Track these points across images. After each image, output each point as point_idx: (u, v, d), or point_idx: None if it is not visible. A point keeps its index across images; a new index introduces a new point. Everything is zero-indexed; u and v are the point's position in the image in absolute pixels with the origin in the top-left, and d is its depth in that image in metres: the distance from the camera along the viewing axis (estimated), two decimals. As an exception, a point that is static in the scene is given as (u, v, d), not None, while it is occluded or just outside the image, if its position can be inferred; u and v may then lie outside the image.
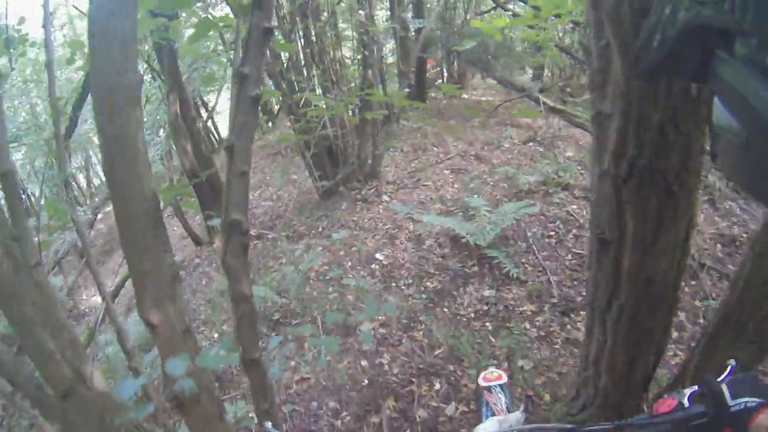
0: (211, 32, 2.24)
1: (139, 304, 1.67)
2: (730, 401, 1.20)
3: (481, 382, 2.37)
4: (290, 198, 9.53)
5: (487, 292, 5.35)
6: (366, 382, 4.32)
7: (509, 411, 2.14)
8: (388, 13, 12.50)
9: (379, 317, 5.17)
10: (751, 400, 1.18)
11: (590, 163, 2.51)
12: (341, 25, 10.28)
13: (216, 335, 5.70)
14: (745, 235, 6.48)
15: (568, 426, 1.37)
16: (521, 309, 5.08)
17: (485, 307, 5.17)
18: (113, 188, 1.59)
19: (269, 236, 8.14)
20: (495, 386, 2.32)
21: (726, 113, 0.68)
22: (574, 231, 6.30)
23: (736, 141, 0.66)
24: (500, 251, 5.77)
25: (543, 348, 4.54)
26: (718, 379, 1.28)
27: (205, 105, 17.73)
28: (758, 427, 1.13)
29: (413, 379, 4.25)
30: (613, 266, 2.32)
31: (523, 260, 5.83)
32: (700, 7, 0.68)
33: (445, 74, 15.60)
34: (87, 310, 9.65)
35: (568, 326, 4.80)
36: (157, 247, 1.64)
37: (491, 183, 7.94)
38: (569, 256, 5.88)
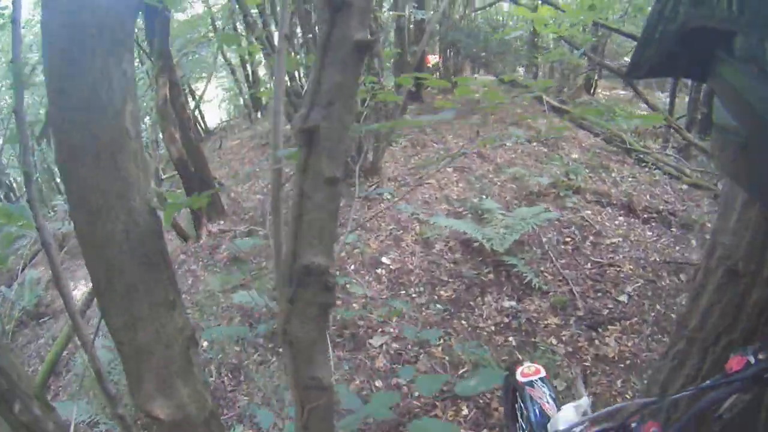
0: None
1: (135, 392, 1.10)
2: None
3: (521, 378, 2.32)
4: (283, 192, 9.01)
5: (507, 303, 4.96)
6: (386, 407, 3.87)
7: (555, 403, 2.13)
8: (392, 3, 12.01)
9: (391, 329, 4.75)
10: None
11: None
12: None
13: (205, 344, 5.11)
14: None
15: (652, 399, 1.37)
16: (545, 322, 4.70)
17: (506, 320, 4.78)
18: (75, 201, 0.96)
19: (261, 233, 7.64)
20: (536, 380, 2.29)
21: (725, 112, 0.70)
22: (591, 238, 5.95)
23: (735, 140, 0.68)
24: (517, 258, 5.36)
25: (573, 365, 4.15)
26: None
27: (192, 93, 17.04)
28: None
29: (437, 403, 3.81)
30: (739, 300, 1.95)
31: (542, 268, 5.45)
32: (698, 6, 0.68)
33: (441, 69, 15.18)
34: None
35: (597, 341, 4.44)
36: (160, 304, 1.04)
37: (498, 183, 7.55)
38: (588, 265, 5.52)
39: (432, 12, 11.54)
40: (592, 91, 14.38)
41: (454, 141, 9.80)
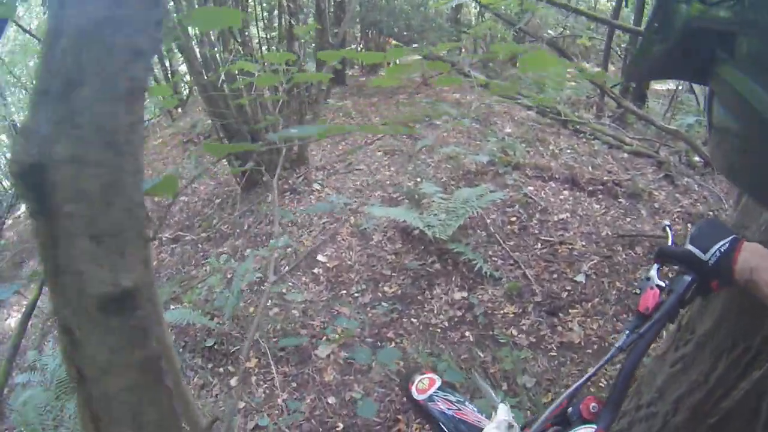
0: None
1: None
2: (703, 256, 1.19)
3: (418, 396, 2.12)
4: (208, 192, 8.44)
5: (458, 295, 4.64)
6: (341, 427, 3.46)
7: (467, 404, 2.01)
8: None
9: (336, 335, 4.34)
10: (722, 243, 1.16)
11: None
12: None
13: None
14: (710, 213, 6.11)
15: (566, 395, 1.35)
16: (502, 312, 4.42)
17: (459, 313, 4.47)
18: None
19: (188, 238, 7.09)
20: (434, 393, 2.11)
21: (725, 113, 0.72)
22: (538, 216, 5.73)
23: (735, 141, 0.70)
24: (463, 245, 5.03)
25: (540, 358, 3.87)
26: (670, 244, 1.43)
27: None
28: (743, 269, 1.11)
29: (399, 417, 3.43)
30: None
31: (490, 253, 5.17)
32: (708, 7, 0.67)
33: (363, 50, 14.80)
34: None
35: (559, 328, 4.23)
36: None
37: (433, 165, 7.22)
38: (538, 245, 5.29)
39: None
40: (518, 63, 14.31)
41: (381, 123, 9.41)
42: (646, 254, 5.32)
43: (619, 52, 10.79)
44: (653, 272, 1.35)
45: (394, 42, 14.38)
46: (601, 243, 5.35)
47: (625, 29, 7.87)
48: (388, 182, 6.92)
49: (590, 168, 6.91)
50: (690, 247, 1.24)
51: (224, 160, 7.63)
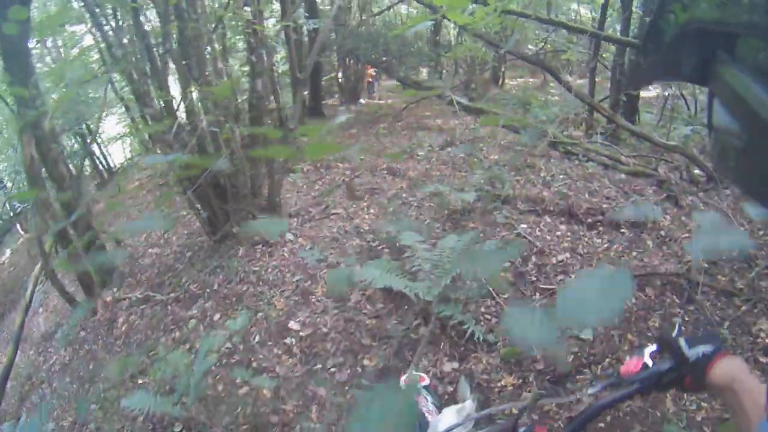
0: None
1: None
2: (687, 352, 1.31)
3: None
4: (180, 242, 7.85)
5: (448, 366, 4.04)
6: None
7: (438, 410, 2.08)
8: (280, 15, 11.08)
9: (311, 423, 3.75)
10: (706, 348, 1.30)
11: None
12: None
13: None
14: None
15: (524, 404, 1.54)
16: (499, 384, 3.82)
17: (450, 389, 3.85)
18: None
19: (158, 298, 6.51)
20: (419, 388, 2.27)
21: (725, 115, 0.69)
22: (534, 259, 5.16)
23: (735, 143, 0.66)
24: (451, 305, 4.42)
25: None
26: (674, 335, 1.41)
27: (92, 132, 15.33)
28: (722, 375, 1.24)
29: None
30: None
31: (482, 309, 4.58)
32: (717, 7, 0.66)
33: (341, 79, 14.35)
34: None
35: (570, 403, 3.57)
36: None
37: (415, 204, 6.65)
38: (537, 295, 4.70)
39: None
40: (500, 83, 13.85)
41: (360, 157, 8.85)
42: (659, 295, 4.76)
43: (606, 65, 10.31)
44: (648, 350, 1.43)
45: (371, 70, 13.95)
46: (607, 285, 4.78)
47: (614, 41, 7.38)
48: (367, 227, 6.36)
49: (587, 195, 6.36)
50: (681, 340, 1.34)
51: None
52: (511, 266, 5.07)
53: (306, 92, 11.39)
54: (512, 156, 7.75)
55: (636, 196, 6.36)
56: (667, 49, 0.78)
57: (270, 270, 6.03)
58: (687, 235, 5.68)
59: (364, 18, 12.89)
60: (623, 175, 6.86)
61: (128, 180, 15.31)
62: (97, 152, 17.19)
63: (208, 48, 6.68)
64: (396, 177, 7.75)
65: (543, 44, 11.03)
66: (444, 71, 13.70)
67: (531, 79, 15.51)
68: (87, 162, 16.05)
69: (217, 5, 8.87)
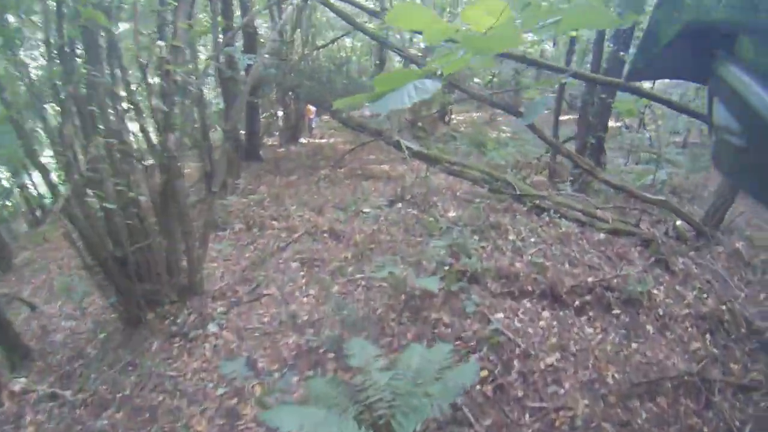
0: None
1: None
2: None
3: None
4: (95, 316, 6.45)
5: None
6: None
7: None
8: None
9: None
10: None
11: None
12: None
13: None
14: (723, 308, 4.73)
15: None
16: None
17: None
18: None
19: (67, 393, 5.18)
20: None
21: (725, 114, 0.69)
22: (517, 364, 4.12)
23: (735, 142, 0.67)
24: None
25: None
26: None
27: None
28: None
29: None
30: None
31: (459, 447, 3.48)
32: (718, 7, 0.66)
33: (280, 119, 13.26)
34: None
35: None
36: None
37: (363, 284, 5.54)
38: (526, 417, 3.68)
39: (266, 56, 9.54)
40: (447, 119, 12.97)
41: (299, 214, 7.66)
42: (672, 404, 3.83)
43: (568, 102, 9.51)
44: None
45: (311, 108, 12.89)
46: (611, 398, 3.82)
47: (586, 78, 6.49)
48: (306, 316, 5.20)
49: (566, 265, 5.40)
50: None
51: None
52: (490, 375, 4.02)
53: (242, 132, 10.28)
54: (473, 212, 6.74)
55: (622, 263, 5.45)
56: (667, 48, 0.77)
57: (189, 376, 4.81)
58: (686, 311, 4.81)
59: (306, 52, 11.84)
60: (602, 234, 5.95)
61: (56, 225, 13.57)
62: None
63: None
64: (339, 241, 6.62)
65: (491, 78, 10.17)
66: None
67: (476, 114, 14.68)
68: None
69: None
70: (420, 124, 11.42)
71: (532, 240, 5.95)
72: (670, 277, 5.36)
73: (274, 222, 7.63)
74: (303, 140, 13.54)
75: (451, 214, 6.96)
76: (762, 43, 0.60)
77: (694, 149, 10.10)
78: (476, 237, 5.99)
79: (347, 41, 13.51)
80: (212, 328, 5.30)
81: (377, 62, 13.02)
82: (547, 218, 6.38)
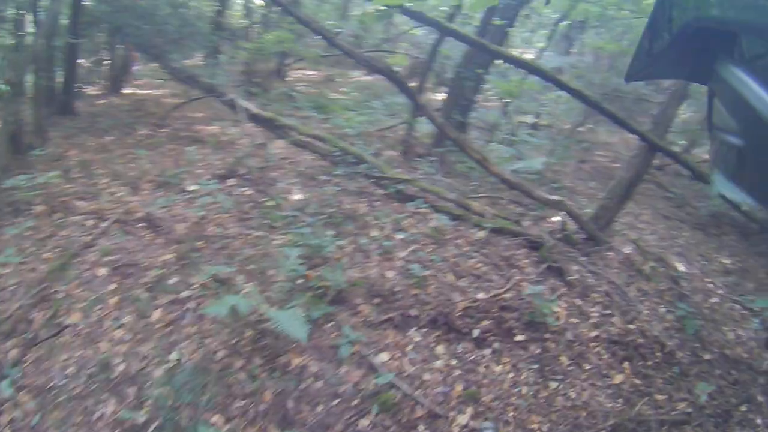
0: None
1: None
2: None
3: None
4: None
5: None
6: None
7: None
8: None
9: None
10: None
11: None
12: None
13: None
14: (632, 327, 4.06)
15: None
16: None
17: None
18: None
19: None
20: None
21: (725, 114, 0.70)
22: (423, 429, 3.00)
23: (736, 142, 0.67)
24: None
25: None
26: None
27: None
28: None
29: None
30: None
31: None
32: (718, 7, 0.65)
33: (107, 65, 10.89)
34: None
35: None
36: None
37: (191, 308, 4.01)
38: None
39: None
40: (283, 76, 11.50)
41: (110, 192, 5.72)
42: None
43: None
44: None
45: (136, 54, 10.64)
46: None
47: (465, 39, 5.42)
48: (121, 365, 3.52)
49: (452, 276, 4.35)
50: None
51: None
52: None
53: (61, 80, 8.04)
54: (323, 194, 5.47)
55: (513, 272, 4.54)
56: (667, 48, 0.75)
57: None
58: (596, 332, 4.05)
59: None
60: (481, 232, 5.00)
61: None
62: None
63: None
64: (158, 234, 4.95)
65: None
66: (221, 57, 10.93)
67: (310, 72, 13.28)
68: None
69: None
70: (256, 79, 9.84)
71: (400, 237, 4.82)
72: (568, 289, 4.58)
73: (80, 203, 5.60)
74: (127, 91, 11.18)
75: (296, 197, 5.61)
76: (762, 43, 0.59)
77: (550, 134, 9.56)
78: (330, 232, 4.75)
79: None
80: (4, 389, 3.45)
81: (219, 8, 11.32)
82: (412, 207, 5.31)
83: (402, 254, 4.53)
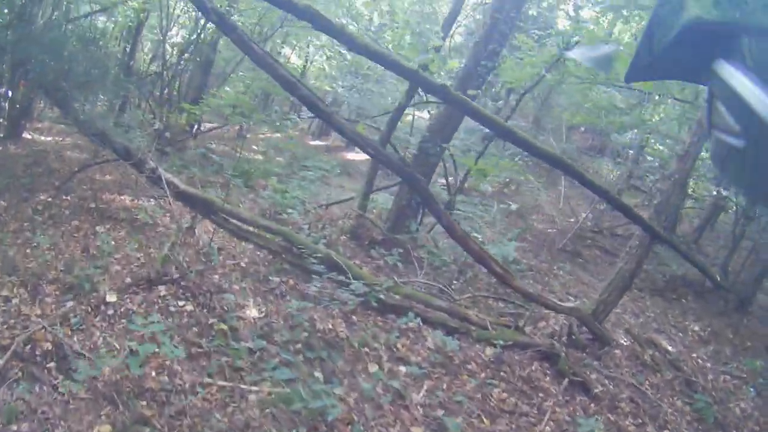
0: None
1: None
2: None
3: None
4: None
5: None
6: None
7: None
8: None
9: None
10: None
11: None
12: None
13: None
14: None
15: None
16: None
17: None
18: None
19: None
20: None
21: (726, 115, 0.67)
22: None
23: (736, 142, 0.65)
24: None
25: None
26: None
27: None
28: None
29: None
30: None
31: None
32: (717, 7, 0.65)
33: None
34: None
35: None
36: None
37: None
38: None
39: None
40: (195, 132, 10.31)
41: (4, 296, 4.14)
42: None
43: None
44: None
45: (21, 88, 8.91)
46: None
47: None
48: None
49: (488, 421, 3.77)
50: None
51: None
52: None
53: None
54: (285, 312, 4.59)
55: (541, 397, 4.04)
56: (667, 48, 0.74)
57: None
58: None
59: (55, 18, 8.08)
60: (488, 349, 4.43)
61: None
62: None
63: None
64: (77, 380, 3.50)
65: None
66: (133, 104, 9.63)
67: (215, 125, 11.96)
68: None
69: None
70: (167, 133, 8.63)
71: (405, 370, 4.09)
72: (595, 405, 4.16)
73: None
74: (28, 135, 9.14)
75: (253, 313, 4.65)
76: (762, 43, 0.58)
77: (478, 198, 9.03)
78: (318, 374, 3.92)
79: (101, 19, 10.08)
80: None
81: (128, 50, 10.27)
82: (402, 325, 4.60)
83: (418, 397, 3.82)
